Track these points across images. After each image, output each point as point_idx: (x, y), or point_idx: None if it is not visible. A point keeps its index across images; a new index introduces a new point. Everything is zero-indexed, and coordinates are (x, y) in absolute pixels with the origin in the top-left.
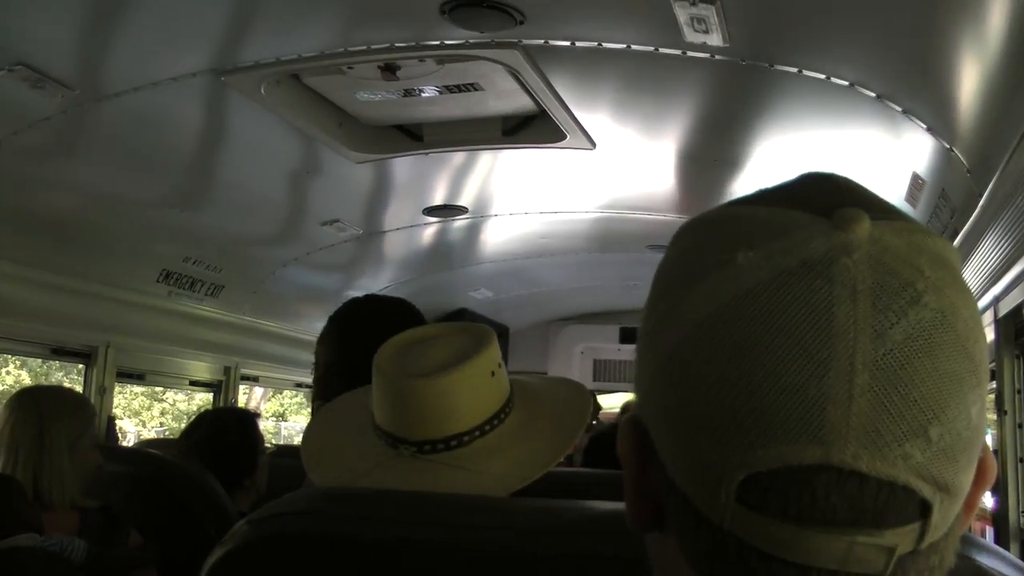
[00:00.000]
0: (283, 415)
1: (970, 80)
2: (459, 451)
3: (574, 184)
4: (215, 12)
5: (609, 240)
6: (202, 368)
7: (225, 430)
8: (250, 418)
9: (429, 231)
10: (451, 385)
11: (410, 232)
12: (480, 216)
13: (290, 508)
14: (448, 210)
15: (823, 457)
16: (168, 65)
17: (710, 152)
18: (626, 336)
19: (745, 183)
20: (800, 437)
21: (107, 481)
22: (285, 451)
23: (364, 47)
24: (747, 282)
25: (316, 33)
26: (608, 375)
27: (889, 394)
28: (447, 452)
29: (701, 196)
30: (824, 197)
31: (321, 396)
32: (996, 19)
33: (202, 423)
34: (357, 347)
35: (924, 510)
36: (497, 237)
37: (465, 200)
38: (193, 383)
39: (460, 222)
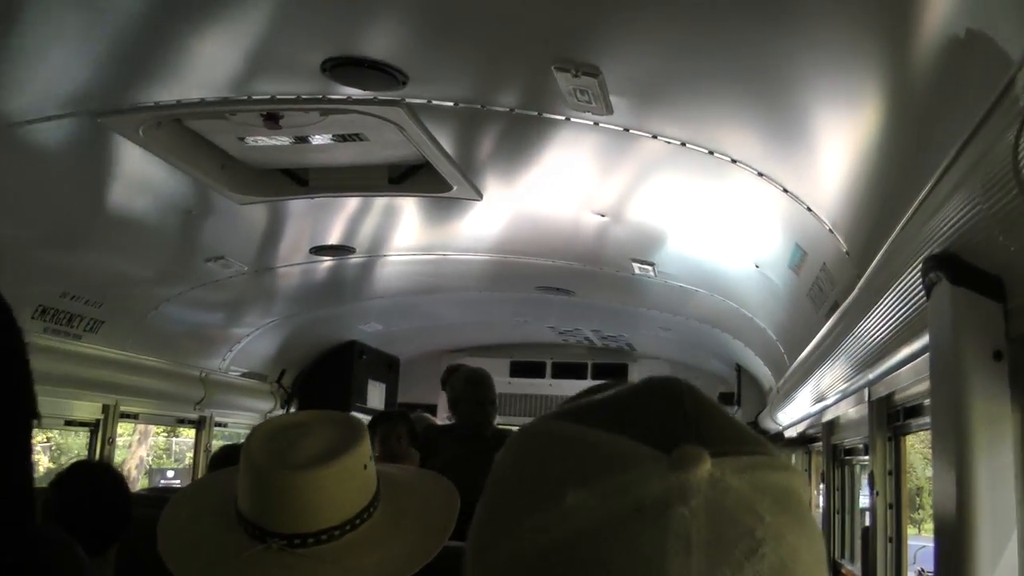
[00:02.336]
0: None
1: (851, 171)
2: (330, 545)
3: (463, 229)
4: (95, 54)
5: (499, 280)
6: (80, 407)
7: (98, 492)
8: (122, 479)
9: (319, 268)
10: (324, 479)
11: (298, 269)
12: (370, 256)
13: None
14: (337, 250)
15: None
16: (44, 105)
17: (596, 207)
18: (516, 369)
19: (637, 240)
20: None
21: None
22: (148, 502)
23: (245, 97)
24: (579, 523)
25: (197, 81)
26: (498, 408)
27: None
28: (317, 546)
29: (589, 245)
30: (666, 425)
31: None
32: (874, 118)
33: (72, 479)
34: None
35: None
36: (387, 274)
37: (354, 241)
38: (69, 423)
39: (350, 260)
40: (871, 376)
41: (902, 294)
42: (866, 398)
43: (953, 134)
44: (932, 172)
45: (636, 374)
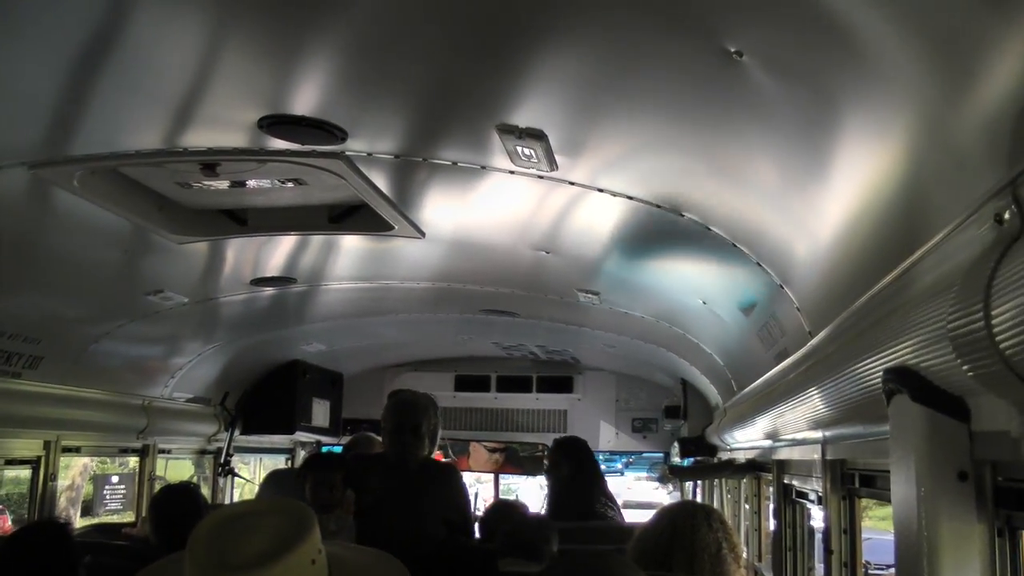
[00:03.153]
0: None
1: (805, 238)
2: None
3: (405, 261)
4: (27, 106)
5: (442, 303)
6: (20, 445)
7: (36, 549)
8: (63, 530)
9: (260, 296)
10: None
11: (240, 298)
12: (311, 285)
13: None
14: (278, 281)
15: None
16: None
17: (543, 248)
18: (461, 384)
19: (583, 274)
20: None
21: None
22: (101, 550)
23: (181, 149)
24: None
25: (132, 133)
26: (443, 422)
27: None
28: None
29: (533, 276)
30: None
31: None
32: (842, 198)
33: (15, 543)
34: None
35: None
36: (329, 300)
37: (295, 272)
38: (9, 462)
39: (292, 289)
40: (826, 435)
41: (857, 383)
42: (820, 454)
43: (920, 241)
44: (894, 269)
45: (581, 386)
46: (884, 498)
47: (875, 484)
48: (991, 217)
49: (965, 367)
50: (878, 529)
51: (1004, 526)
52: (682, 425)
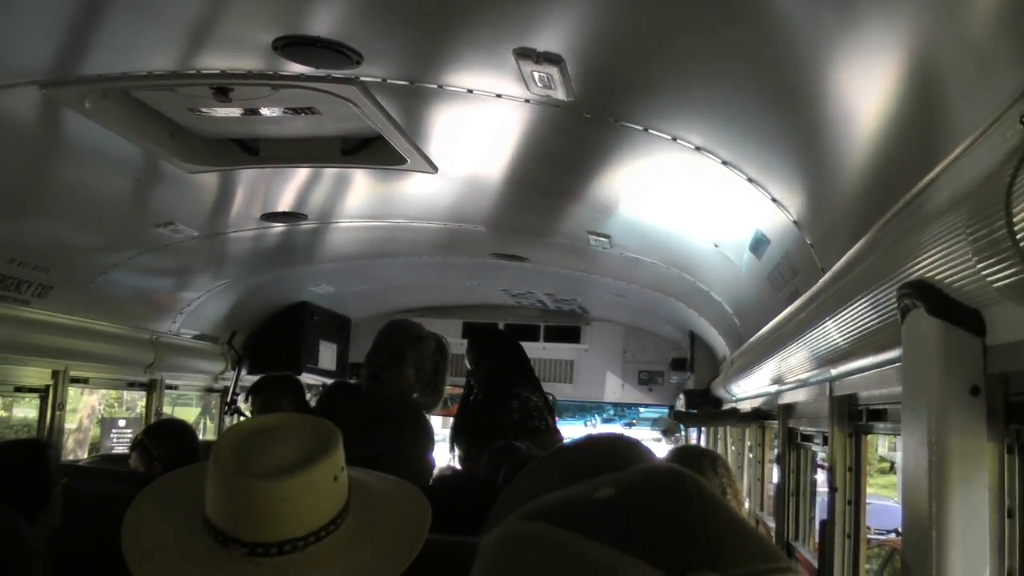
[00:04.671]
0: None
1: (823, 171)
2: (292, 556)
3: (417, 198)
4: (40, 24)
5: (452, 246)
6: (29, 373)
7: (11, 466)
8: (41, 450)
9: (270, 233)
10: (290, 489)
11: (250, 234)
12: (322, 222)
13: None
14: (288, 216)
15: None
16: None
17: (553, 185)
18: (469, 331)
19: (595, 215)
20: None
21: None
22: (79, 473)
23: (194, 72)
24: None
25: (145, 54)
26: (451, 368)
27: None
28: (280, 556)
29: (545, 217)
30: (676, 542)
31: None
32: (856, 123)
33: None
34: None
35: None
36: (339, 239)
37: (306, 208)
38: (19, 389)
39: (301, 226)
40: (833, 372)
41: (872, 307)
42: (827, 392)
43: (940, 155)
44: (911, 189)
45: (588, 336)
46: (892, 432)
47: (884, 417)
48: (1016, 120)
49: (985, 273)
50: (879, 496)
51: (1014, 442)
52: (688, 378)
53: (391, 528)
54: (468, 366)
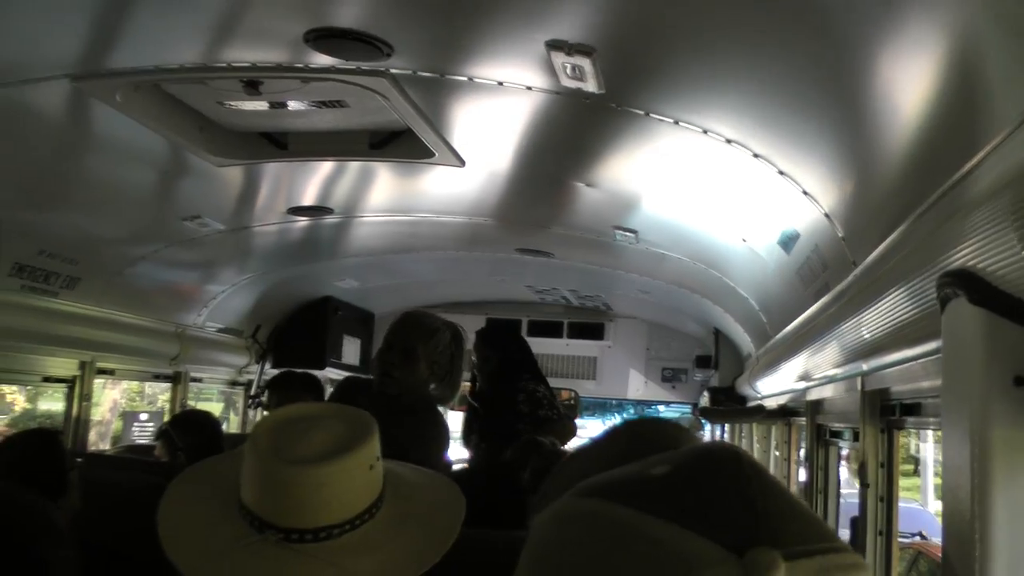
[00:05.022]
0: None
1: (856, 161)
2: (327, 543)
3: (443, 192)
4: (72, 18)
5: (477, 241)
6: (57, 363)
7: (25, 452)
8: (52, 437)
9: (295, 227)
10: (329, 476)
11: (275, 228)
12: (347, 216)
13: None
14: (314, 210)
15: None
16: (19, 68)
17: (583, 180)
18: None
19: (622, 210)
20: None
21: None
22: (96, 461)
23: (225, 64)
24: None
25: (176, 47)
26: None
27: None
28: (315, 543)
29: (571, 212)
30: (735, 519)
31: None
32: (892, 110)
33: (5, 448)
34: None
35: None
36: (364, 234)
37: (331, 202)
38: (47, 379)
39: (327, 220)
40: (865, 367)
41: (909, 298)
42: (858, 387)
43: (982, 142)
44: (951, 176)
45: (612, 333)
46: (927, 426)
47: (918, 412)
48: None
49: None
50: (903, 498)
51: None
52: (712, 375)
53: (426, 518)
54: (475, 362)
